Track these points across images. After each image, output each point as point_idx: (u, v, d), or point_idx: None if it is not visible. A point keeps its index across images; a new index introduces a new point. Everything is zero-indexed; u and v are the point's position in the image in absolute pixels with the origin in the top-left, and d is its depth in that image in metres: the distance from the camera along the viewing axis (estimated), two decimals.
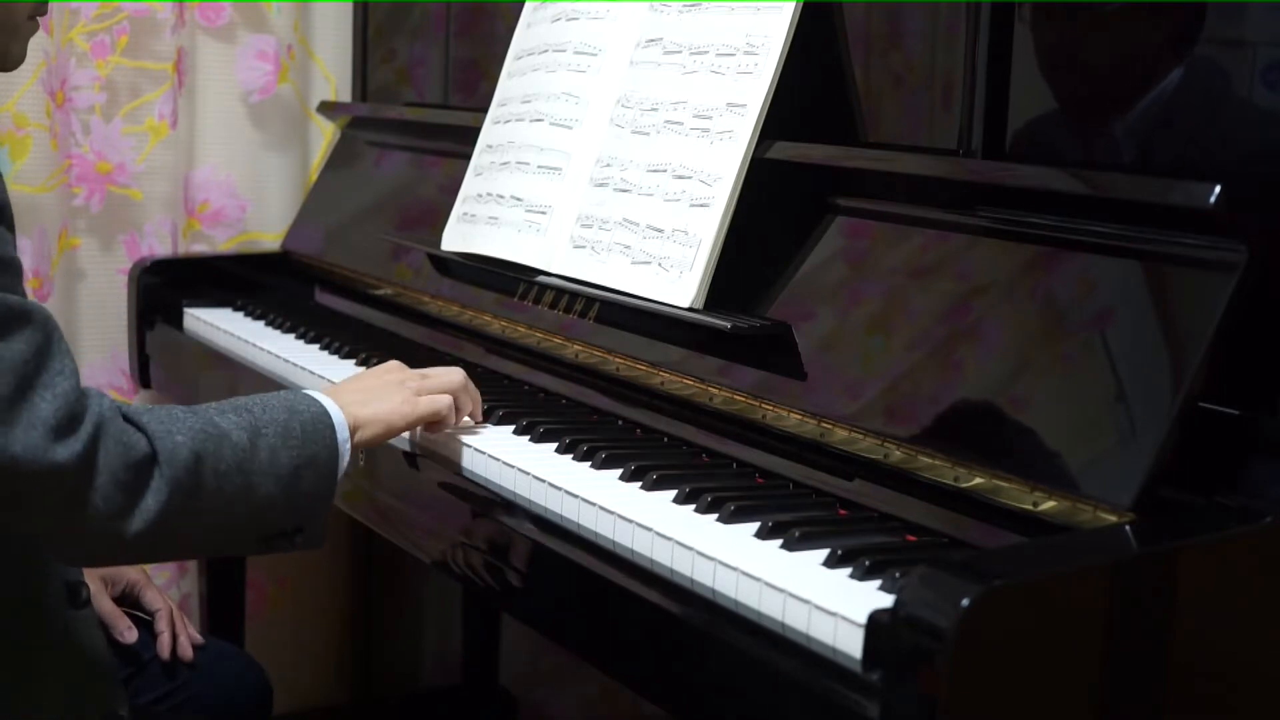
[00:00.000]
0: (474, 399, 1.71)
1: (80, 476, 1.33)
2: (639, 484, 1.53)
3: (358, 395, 1.60)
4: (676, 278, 1.72)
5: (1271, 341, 1.30)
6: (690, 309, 1.70)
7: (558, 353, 1.92)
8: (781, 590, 1.24)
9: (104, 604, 1.80)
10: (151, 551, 1.49)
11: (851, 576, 1.28)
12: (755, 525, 1.39)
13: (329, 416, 1.52)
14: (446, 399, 1.66)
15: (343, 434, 1.53)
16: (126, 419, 1.39)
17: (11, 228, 1.35)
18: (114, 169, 2.59)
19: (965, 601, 1.05)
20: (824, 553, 1.32)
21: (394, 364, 1.70)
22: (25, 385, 1.30)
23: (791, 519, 1.40)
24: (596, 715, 2.56)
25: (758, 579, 1.27)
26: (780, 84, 1.71)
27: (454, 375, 1.69)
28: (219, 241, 2.73)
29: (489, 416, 1.77)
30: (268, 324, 2.41)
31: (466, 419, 1.72)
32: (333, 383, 1.83)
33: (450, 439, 1.70)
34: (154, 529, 1.38)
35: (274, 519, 1.48)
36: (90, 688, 1.53)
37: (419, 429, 1.70)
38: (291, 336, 2.32)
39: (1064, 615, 1.13)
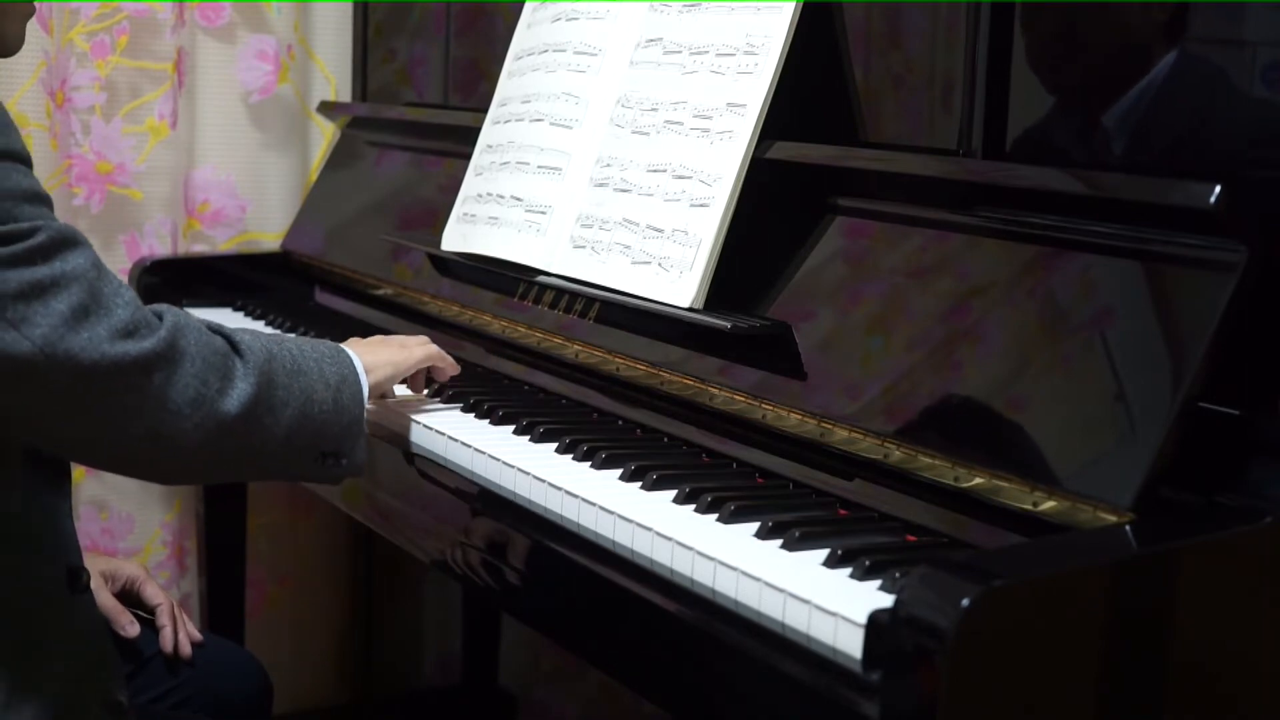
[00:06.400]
0: (449, 361, 1.85)
1: (170, 364, 1.42)
2: (639, 484, 1.53)
3: (359, 348, 1.72)
4: (676, 278, 1.72)
5: (1271, 341, 1.30)
6: (690, 309, 1.70)
7: (558, 353, 1.92)
8: (781, 590, 1.24)
9: (105, 599, 1.80)
10: (242, 446, 1.51)
11: (851, 576, 1.28)
12: (755, 525, 1.39)
13: (343, 350, 1.67)
14: (435, 348, 1.82)
15: (359, 364, 1.66)
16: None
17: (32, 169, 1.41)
18: (114, 169, 2.59)
19: (965, 601, 1.05)
20: (824, 553, 1.32)
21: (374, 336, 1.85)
22: (96, 293, 1.38)
23: (791, 519, 1.40)
24: (596, 715, 2.56)
25: (758, 579, 1.27)
26: (780, 84, 1.71)
27: (425, 340, 1.83)
28: (219, 241, 2.73)
29: (489, 416, 1.77)
30: (268, 324, 2.41)
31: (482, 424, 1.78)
32: None
33: (450, 439, 1.70)
34: (247, 413, 1.48)
35: (329, 431, 1.59)
36: (90, 674, 1.52)
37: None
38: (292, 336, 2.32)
39: (1064, 615, 1.13)
